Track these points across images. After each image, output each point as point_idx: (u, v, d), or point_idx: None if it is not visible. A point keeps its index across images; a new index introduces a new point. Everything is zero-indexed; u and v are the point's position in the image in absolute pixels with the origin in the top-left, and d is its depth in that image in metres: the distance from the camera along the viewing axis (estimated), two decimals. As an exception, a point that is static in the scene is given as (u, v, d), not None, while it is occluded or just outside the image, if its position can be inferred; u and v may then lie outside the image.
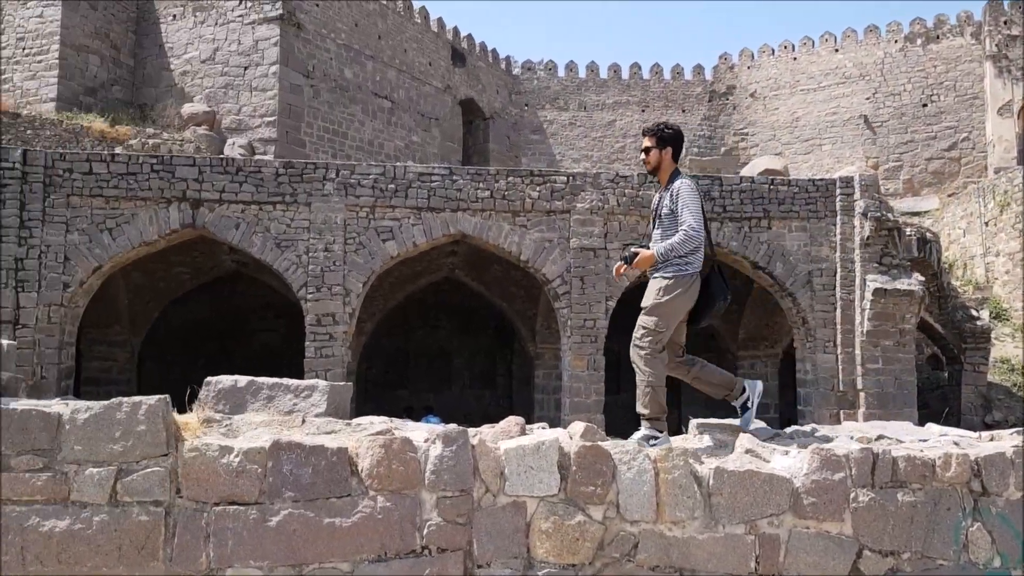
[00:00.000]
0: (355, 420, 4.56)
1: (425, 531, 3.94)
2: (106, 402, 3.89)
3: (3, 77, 24.80)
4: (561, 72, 36.86)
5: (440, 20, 32.06)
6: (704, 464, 4.24)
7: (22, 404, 3.90)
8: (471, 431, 4.23)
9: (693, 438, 4.80)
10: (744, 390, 5.17)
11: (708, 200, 15.17)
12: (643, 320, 4.98)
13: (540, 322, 17.77)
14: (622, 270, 5.29)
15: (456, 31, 32.93)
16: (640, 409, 4.94)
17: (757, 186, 15.53)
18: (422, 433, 4.19)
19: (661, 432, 4.88)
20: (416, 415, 14.43)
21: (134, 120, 24.39)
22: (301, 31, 25.41)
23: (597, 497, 4.03)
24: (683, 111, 36.08)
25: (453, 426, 4.15)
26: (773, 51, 35.68)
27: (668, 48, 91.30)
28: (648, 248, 5.11)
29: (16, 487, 3.74)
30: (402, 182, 14.45)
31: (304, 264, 14.13)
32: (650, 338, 4.92)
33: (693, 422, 5.05)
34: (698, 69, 36.87)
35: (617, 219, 14.92)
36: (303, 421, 4.39)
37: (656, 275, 5.07)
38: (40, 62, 24.60)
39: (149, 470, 3.82)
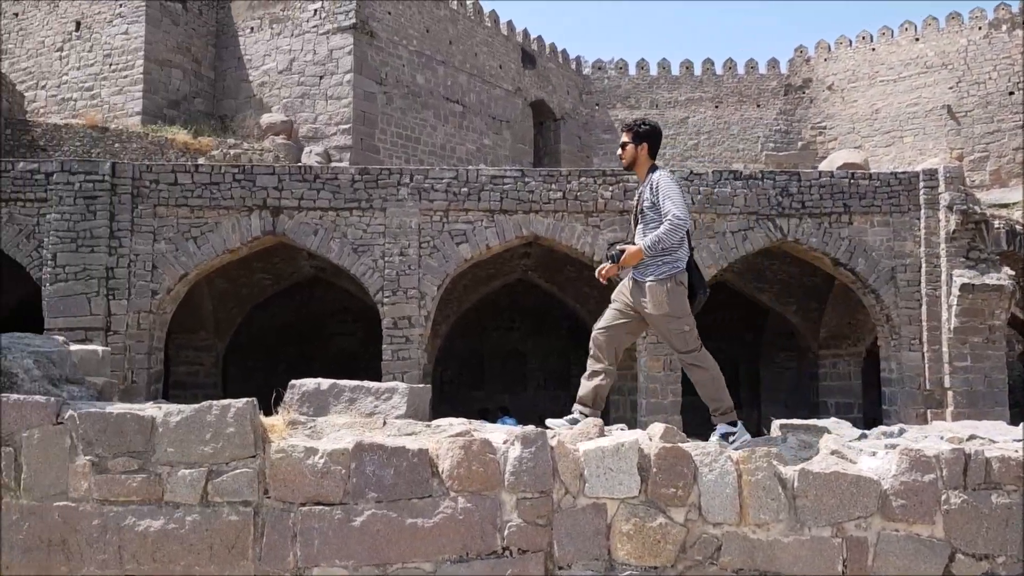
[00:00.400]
0: (434, 422, 4.61)
1: (506, 532, 3.96)
2: (197, 405, 4.01)
3: (92, 93, 25.81)
4: (632, 70, 36.61)
5: (510, 23, 32.18)
6: (788, 466, 4.16)
7: (118, 408, 4.05)
8: (549, 432, 4.23)
9: (776, 439, 4.72)
10: (735, 424, 4.98)
11: (786, 196, 14.88)
12: (672, 328, 4.95)
13: (615, 323, 17.63)
14: (608, 271, 5.20)
15: (526, 33, 33.01)
16: (717, 404, 4.91)
17: (837, 181, 15.17)
18: (501, 435, 4.21)
19: (737, 424, 4.86)
20: (491, 416, 14.51)
21: (215, 131, 25.11)
22: (374, 39, 25.80)
23: (678, 499, 3.99)
24: (758, 106, 35.48)
25: (531, 427, 4.16)
26: (851, 42, 34.80)
27: (742, 43, 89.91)
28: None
29: (113, 488, 3.89)
30: (475, 185, 14.55)
31: (380, 268, 14.34)
32: (688, 340, 4.93)
33: (775, 423, 4.96)
34: (773, 63, 36.19)
35: (692, 217, 14.71)
36: (384, 423, 4.46)
37: (650, 279, 4.97)
38: (126, 77, 25.52)
39: (238, 471, 3.93)
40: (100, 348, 5.33)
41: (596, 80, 36.46)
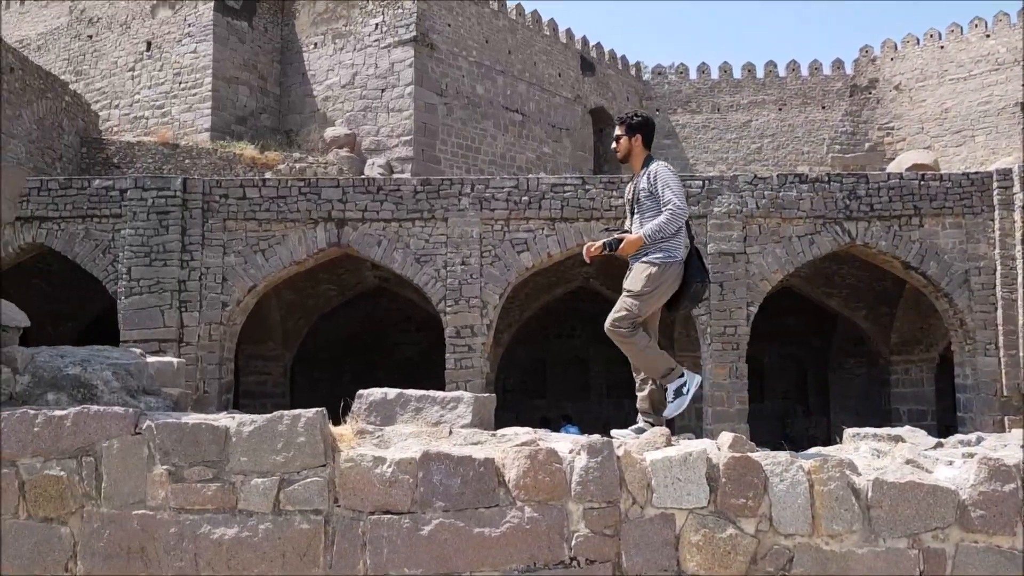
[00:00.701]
0: (499, 431, 4.63)
1: (573, 542, 3.95)
2: (268, 415, 4.09)
3: (163, 111, 26.59)
4: (693, 74, 36.29)
5: (569, 31, 32.20)
6: (861, 475, 4.07)
7: (193, 418, 4.16)
8: (615, 442, 4.21)
9: (848, 448, 4.62)
10: (682, 375, 5.09)
11: (854, 198, 14.58)
12: (625, 303, 5.02)
13: (678, 330, 17.50)
14: (595, 250, 5.22)
15: (585, 40, 32.98)
16: (653, 376, 5.09)
17: (906, 182, 14.81)
18: (566, 444, 4.20)
19: (683, 375, 5.04)
20: (553, 425, 14.49)
21: (281, 146, 25.64)
22: (434, 51, 26.07)
23: (748, 509, 3.93)
24: (823, 108, 34.84)
25: (597, 437, 4.14)
26: (918, 40, 33.96)
27: (804, 44, 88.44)
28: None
29: (189, 496, 3.99)
30: (535, 194, 14.58)
31: (442, 278, 14.46)
32: (629, 320, 4.98)
33: (847, 431, 4.86)
34: (837, 63, 35.51)
35: (757, 222, 14.54)
36: (450, 432, 4.48)
37: (644, 259, 5.04)
38: (195, 95, 26.24)
39: (309, 480, 3.99)
40: (175, 360, 5.48)
41: (656, 85, 36.23)
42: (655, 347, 5.14)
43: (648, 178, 5.10)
